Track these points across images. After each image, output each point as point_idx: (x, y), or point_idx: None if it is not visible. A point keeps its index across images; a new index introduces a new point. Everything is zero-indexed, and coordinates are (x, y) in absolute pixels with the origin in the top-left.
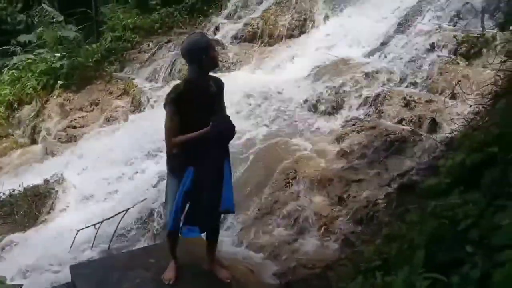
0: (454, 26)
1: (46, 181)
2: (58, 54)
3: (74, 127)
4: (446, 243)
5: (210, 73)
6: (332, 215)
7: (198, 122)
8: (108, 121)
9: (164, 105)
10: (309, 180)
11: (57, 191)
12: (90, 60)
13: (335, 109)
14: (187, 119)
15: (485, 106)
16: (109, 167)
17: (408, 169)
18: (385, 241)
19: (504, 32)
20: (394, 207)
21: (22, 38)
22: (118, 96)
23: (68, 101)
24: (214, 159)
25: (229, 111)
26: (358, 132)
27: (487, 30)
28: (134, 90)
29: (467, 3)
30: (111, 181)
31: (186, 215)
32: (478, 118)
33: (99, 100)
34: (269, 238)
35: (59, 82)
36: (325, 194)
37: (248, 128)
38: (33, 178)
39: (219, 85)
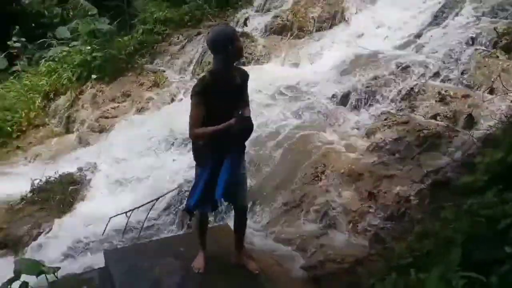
0: (495, 17)
1: (80, 169)
2: (92, 47)
3: (107, 118)
4: (483, 242)
5: (236, 64)
6: (361, 210)
7: (223, 113)
8: (139, 112)
9: (191, 96)
10: (339, 174)
11: (90, 179)
12: (123, 53)
13: (366, 103)
14: (212, 110)
15: None
16: (140, 157)
17: (442, 166)
18: (417, 238)
19: None
20: (427, 204)
21: (60, 33)
22: (148, 88)
23: (100, 92)
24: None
25: (258, 103)
26: (389, 126)
27: None
28: (164, 82)
29: None
30: (142, 170)
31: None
32: None
33: (130, 92)
34: (297, 231)
35: (93, 74)
36: (355, 189)
37: (277, 120)
38: (68, 166)
39: (244, 76)
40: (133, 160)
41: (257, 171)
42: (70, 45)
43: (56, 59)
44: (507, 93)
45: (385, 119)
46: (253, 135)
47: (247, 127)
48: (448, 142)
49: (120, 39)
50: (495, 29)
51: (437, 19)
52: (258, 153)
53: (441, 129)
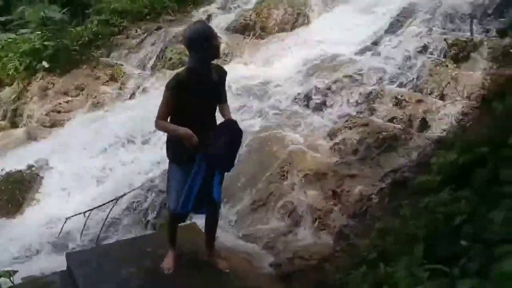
0: (444, 29)
1: (30, 166)
2: (43, 35)
3: (59, 112)
4: (441, 237)
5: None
6: (326, 209)
7: (197, 109)
8: (95, 107)
9: (165, 90)
10: (304, 174)
11: (42, 177)
12: (76, 44)
13: (327, 105)
14: (185, 106)
15: (473, 108)
16: (97, 154)
17: (400, 166)
18: (379, 235)
19: (492, 37)
20: (387, 203)
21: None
22: (105, 82)
23: (51, 85)
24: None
25: None
26: (350, 128)
27: (475, 35)
28: (122, 77)
29: (456, 10)
30: (99, 168)
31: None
32: (466, 119)
33: (84, 85)
34: (265, 229)
35: (43, 64)
36: (319, 188)
37: (241, 120)
38: (15, 163)
39: (222, 74)
40: (89, 158)
41: None
42: (17, 33)
43: (0, 47)
44: (456, 100)
45: (346, 121)
46: None
47: (238, 131)
48: (404, 144)
49: (73, 29)
50: (445, 40)
51: (393, 27)
52: None
53: (398, 131)
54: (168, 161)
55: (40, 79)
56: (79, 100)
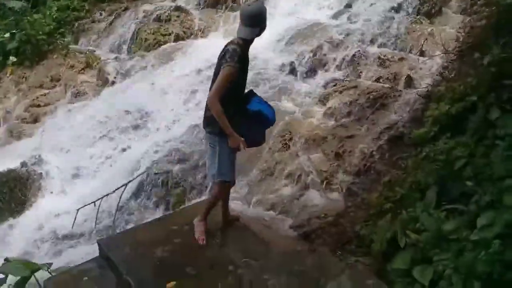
0: None
1: (24, 164)
2: (5, 27)
3: (38, 106)
4: (446, 181)
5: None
6: (332, 170)
7: (244, 82)
8: (76, 97)
9: (227, 66)
10: (305, 139)
11: (40, 173)
12: (41, 33)
13: (314, 71)
14: (240, 80)
15: (452, 61)
16: (90, 144)
17: (394, 122)
18: (388, 187)
19: None
20: (388, 157)
21: None
22: (81, 70)
23: (24, 79)
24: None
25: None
26: (340, 92)
27: None
28: (98, 63)
29: None
30: (95, 158)
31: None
32: (447, 72)
33: (60, 76)
34: (277, 196)
35: (11, 58)
36: (321, 151)
37: None
38: (6, 162)
39: None
40: (82, 149)
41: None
42: None
43: None
44: (435, 55)
45: (335, 85)
46: None
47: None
48: (394, 101)
49: (35, 18)
50: None
51: None
52: None
53: (387, 90)
54: (211, 137)
55: (10, 74)
56: (57, 92)
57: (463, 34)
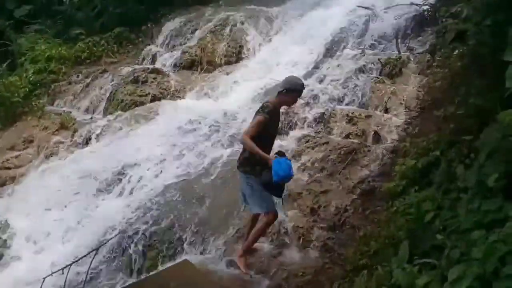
0: (374, 50)
1: None
2: None
3: (8, 168)
4: (417, 235)
5: None
6: (308, 226)
7: (273, 136)
8: (48, 158)
9: (258, 114)
10: None
11: (5, 240)
12: (16, 95)
13: (287, 128)
14: (268, 132)
15: (414, 117)
16: (60, 208)
17: (365, 177)
18: (364, 241)
19: (415, 54)
20: (362, 211)
21: None
22: (55, 131)
23: None
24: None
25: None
26: (312, 148)
27: (402, 53)
28: (73, 124)
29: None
30: (65, 222)
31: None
32: (410, 128)
33: (33, 137)
34: (254, 254)
35: None
36: (297, 207)
37: (210, 151)
38: None
39: None
40: (52, 212)
41: (201, 203)
42: None
43: None
44: (398, 112)
45: (307, 142)
46: (192, 166)
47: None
48: (364, 156)
49: (10, 80)
50: (379, 59)
51: (329, 52)
52: (199, 185)
53: (356, 145)
54: (246, 177)
55: None
56: (29, 153)
57: (422, 93)
